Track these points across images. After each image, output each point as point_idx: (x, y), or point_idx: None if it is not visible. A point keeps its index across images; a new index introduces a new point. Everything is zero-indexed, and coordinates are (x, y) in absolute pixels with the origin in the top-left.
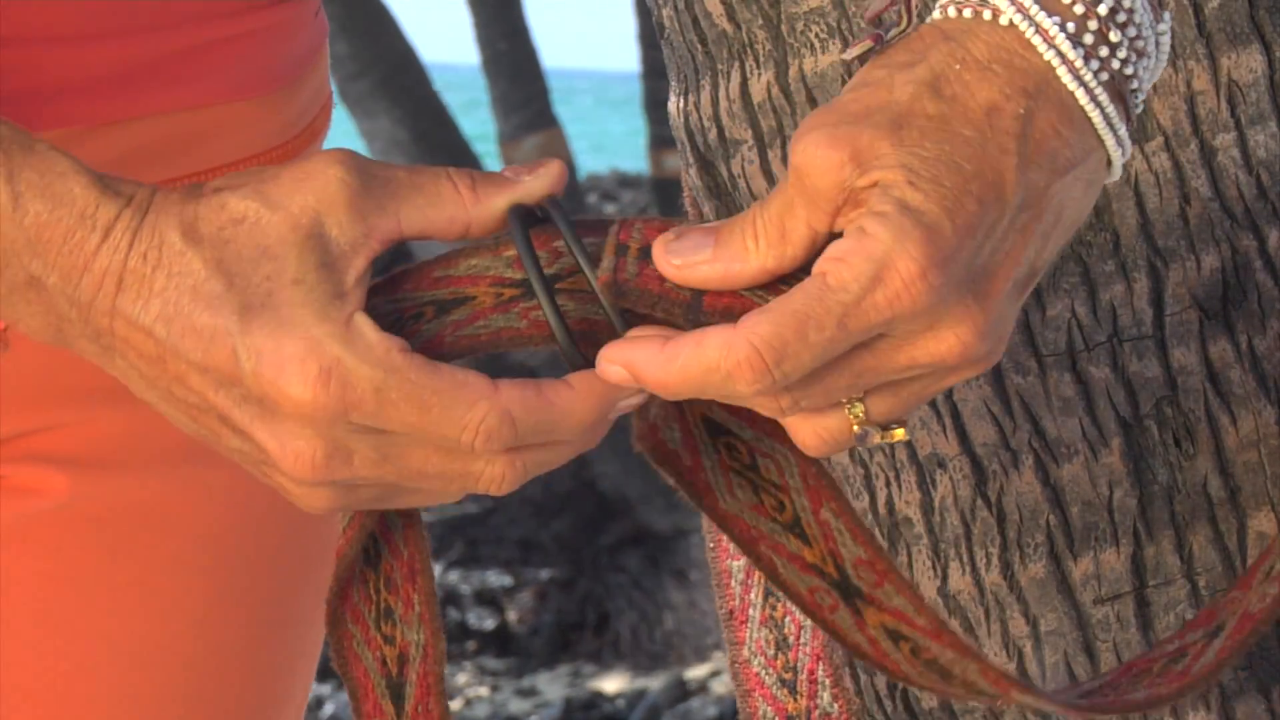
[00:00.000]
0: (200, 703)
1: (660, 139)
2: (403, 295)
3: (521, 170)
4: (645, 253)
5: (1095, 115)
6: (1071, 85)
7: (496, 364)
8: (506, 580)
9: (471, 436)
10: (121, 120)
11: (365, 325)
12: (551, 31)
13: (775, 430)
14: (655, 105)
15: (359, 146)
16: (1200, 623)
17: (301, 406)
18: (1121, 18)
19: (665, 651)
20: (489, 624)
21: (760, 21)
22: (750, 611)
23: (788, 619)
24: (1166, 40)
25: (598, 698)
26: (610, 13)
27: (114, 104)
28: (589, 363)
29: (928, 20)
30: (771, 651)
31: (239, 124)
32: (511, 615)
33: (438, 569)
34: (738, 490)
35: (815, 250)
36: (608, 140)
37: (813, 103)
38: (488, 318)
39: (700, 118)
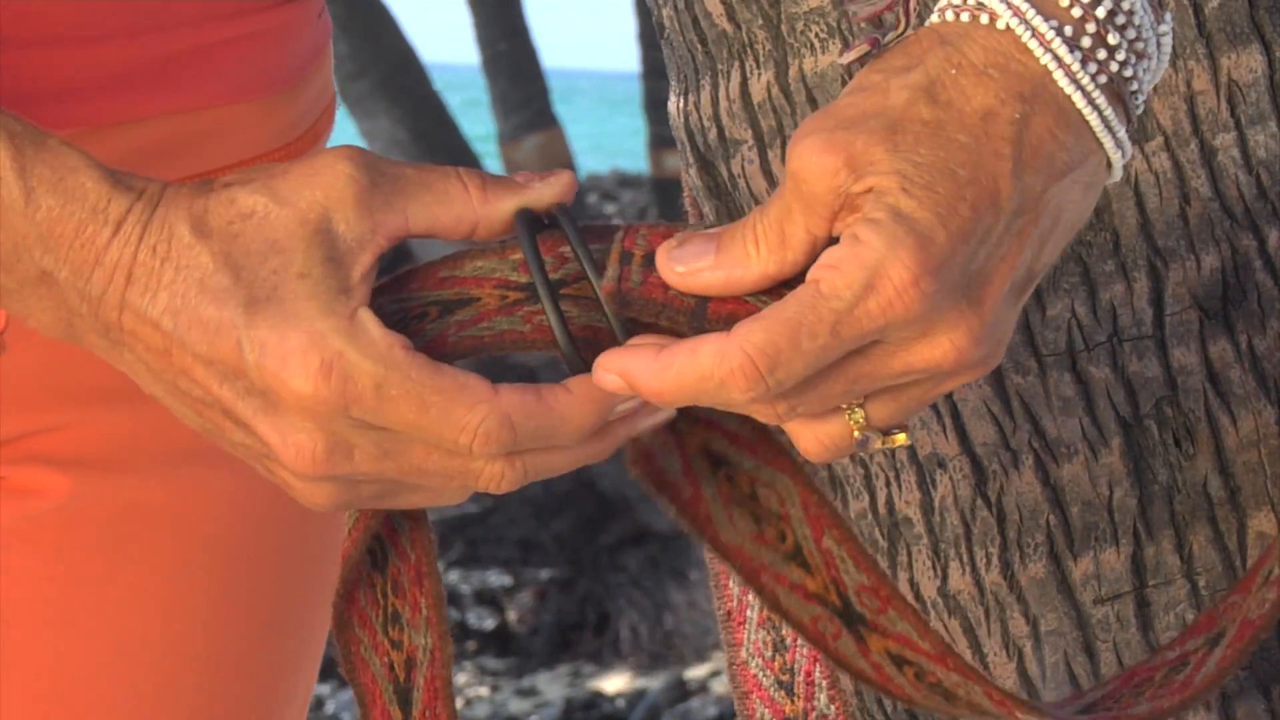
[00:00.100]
0: (203, 703)
1: (660, 139)
2: (408, 295)
3: (532, 177)
4: (650, 260)
5: (1093, 118)
6: (1068, 89)
7: (496, 365)
8: (506, 580)
9: (469, 439)
10: (125, 122)
11: (369, 321)
12: (551, 31)
13: (776, 459)
14: (655, 105)
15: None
16: (1200, 629)
17: (303, 399)
18: (1120, 20)
19: (665, 651)
20: (489, 624)
21: (760, 21)
22: (748, 613)
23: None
24: (1168, 41)
25: (598, 698)
26: (610, 13)
27: (117, 105)
28: (589, 368)
29: (926, 24)
30: (769, 653)
31: (242, 125)
32: (511, 615)
33: (438, 569)
34: (739, 521)
35: (815, 254)
36: (608, 140)
37: (813, 103)
38: (491, 320)
39: (700, 117)
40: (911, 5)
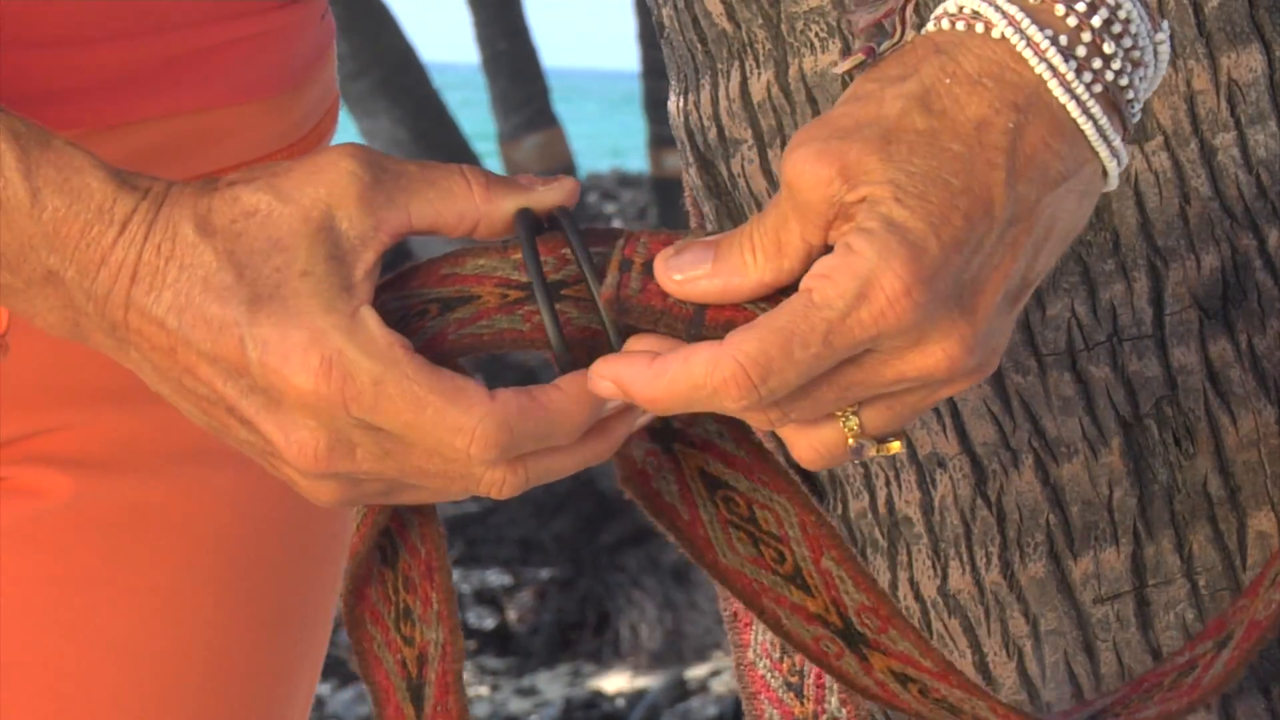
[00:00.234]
0: (205, 703)
1: (660, 138)
2: (409, 292)
3: (536, 180)
4: (649, 268)
5: (1088, 128)
6: (1063, 98)
7: (496, 363)
8: (506, 580)
9: (466, 442)
10: (129, 122)
11: (370, 319)
12: (551, 31)
13: (773, 480)
14: (655, 104)
15: None
16: (1210, 633)
17: (304, 396)
18: (1117, 29)
19: (665, 651)
20: (489, 623)
21: (760, 21)
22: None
23: None
24: (1165, 50)
25: (598, 697)
26: (610, 12)
27: (121, 106)
28: (579, 368)
29: (921, 32)
30: (777, 654)
31: (246, 126)
32: (511, 615)
33: None
34: (737, 544)
35: (811, 262)
36: (608, 140)
37: (812, 102)
38: (491, 318)
39: (700, 117)
40: (908, 13)
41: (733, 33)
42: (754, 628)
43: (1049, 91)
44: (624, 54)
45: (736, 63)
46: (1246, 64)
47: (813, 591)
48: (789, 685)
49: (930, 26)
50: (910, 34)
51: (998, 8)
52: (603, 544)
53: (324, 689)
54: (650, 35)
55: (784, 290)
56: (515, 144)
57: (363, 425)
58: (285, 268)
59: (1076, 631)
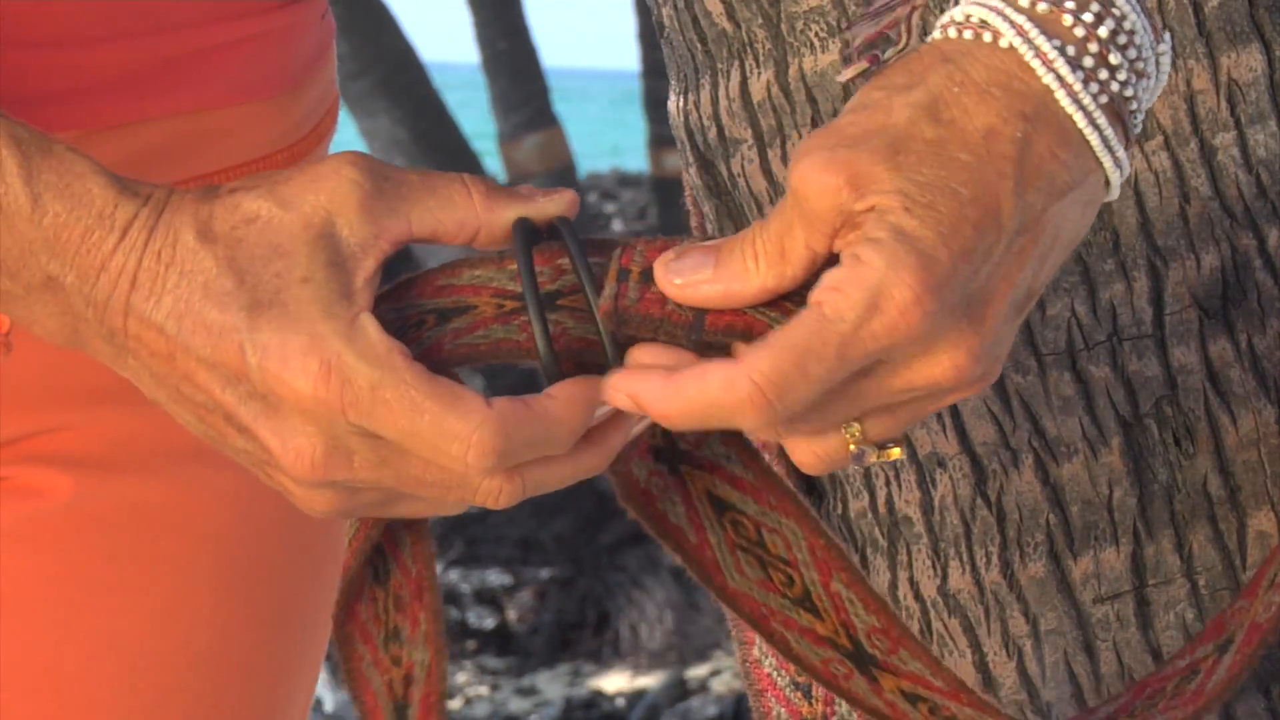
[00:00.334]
0: (205, 703)
1: (660, 138)
2: (406, 303)
3: (536, 191)
4: (647, 276)
5: (1094, 138)
6: (1070, 109)
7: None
8: (506, 579)
9: (463, 449)
10: (129, 123)
11: (370, 325)
12: (552, 31)
13: (781, 502)
14: (655, 104)
15: (359, 146)
16: (1209, 636)
17: (302, 400)
18: (1122, 40)
19: (665, 651)
20: (489, 623)
21: (760, 20)
22: None
23: None
24: (1167, 61)
25: (598, 697)
26: (610, 12)
27: (122, 107)
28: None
29: (927, 40)
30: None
31: (246, 126)
32: (511, 614)
33: (438, 568)
34: (746, 568)
35: (815, 269)
36: (608, 139)
37: (812, 102)
38: (488, 327)
39: (700, 117)
40: (914, 22)
41: (733, 32)
42: None
43: (1055, 101)
44: (624, 54)
45: (736, 62)
46: (1246, 64)
47: (822, 614)
48: (796, 685)
49: (936, 35)
50: (915, 42)
51: (1006, 17)
52: (603, 544)
53: (324, 689)
54: (650, 35)
55: (786, 296)
56: (515, 144)
57: (360, 432)
58: (285, 273)
59: (1076, 631)
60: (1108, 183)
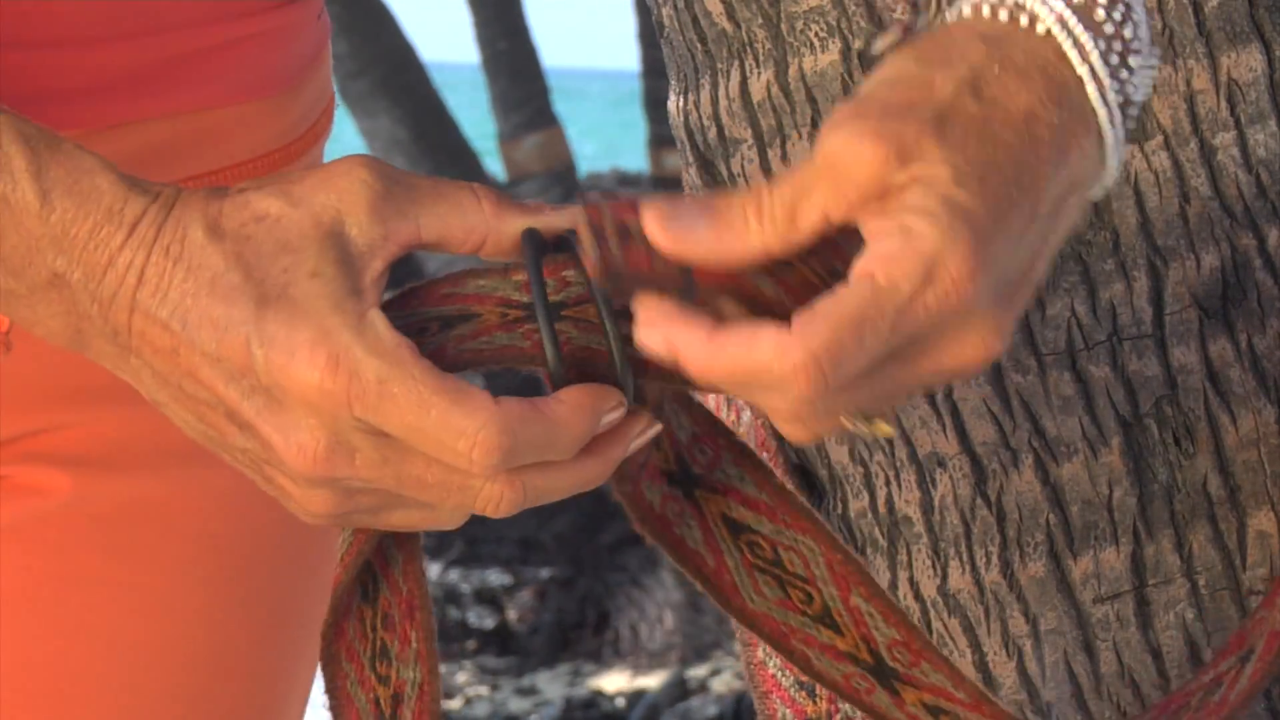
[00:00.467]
0: (201, 703)
1: (660, 137)
2: (410, 311)
3: (544, 206)
4: (624, 232)
5: (1109, 135)
6: (1097, 104)
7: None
8: (506, 579)
9: (469, 446)
10: (127, 123)
11: (379, 320)
12: (552, 30)
13: (797, 520)
14: (655, 104)
15: (359, 146)
16: (1232, 649)
17: (308, 392)
18: (1138, 45)
19: (665, 651)
20: (489, 623)
21: (760, 20)
22: None
23: None
24: (1154, 75)
25: (598, 696)
26: (610, 12)
27: (120, 107)
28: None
29: (956, 17)
30: None
31: (244, 126)
32: (511, 614)
33: (438, 568)
34: (764, 588)
35: (822, 237)
36: (608, 139)
37: (812, 102)
38: (491, 335)
39: (700, 116)
40: None
41: (733, 32)
42: None
43: (1084, 93)
44: (624, 54)
45: (736, 62)
46: (1246, 64)
47: (842, 630)
48: (800, 684)
49: (966, 12)
50: (942, 15)
51: (1046, 4)
52: (603, 544)
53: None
54: (650, 35)
55: (782, 264)
56: (515, 143)
57: (364, 428)
58: (294, 268)
59: (1076, 631)
60: (1102, 180)
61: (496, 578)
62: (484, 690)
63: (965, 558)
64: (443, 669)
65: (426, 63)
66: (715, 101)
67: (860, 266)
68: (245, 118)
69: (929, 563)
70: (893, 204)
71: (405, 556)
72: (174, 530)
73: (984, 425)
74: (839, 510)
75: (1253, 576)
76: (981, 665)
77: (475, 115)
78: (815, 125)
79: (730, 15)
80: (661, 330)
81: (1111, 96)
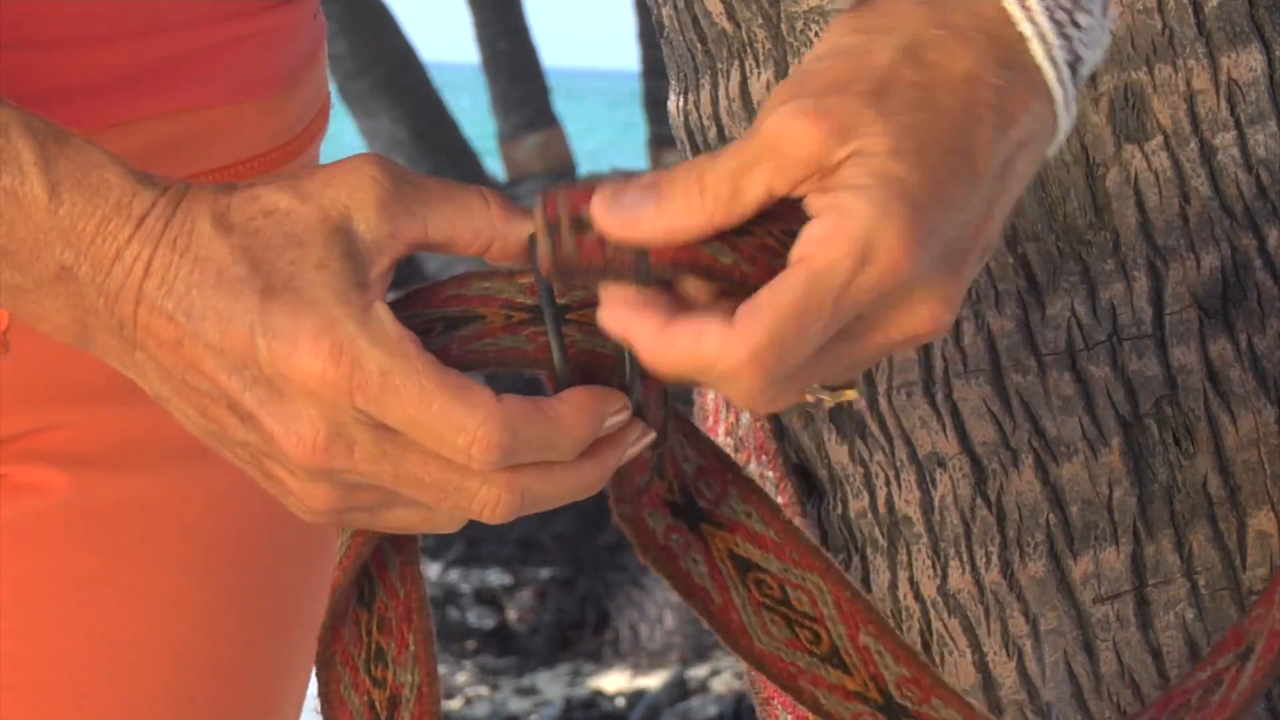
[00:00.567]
0: (198, 702)
1: (660, 137)
2: (414, 312)
3: None
4: (580, 223)
5: (1057, 93)
6: (1043, 62)
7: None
8: (506, 579)
9: (469, 441)
10: (126, 122)
11: (383, 313)
12: (552, 31)
13: (805, 558)
14: (655, 104)
15: (359, 146)
16: (1229, 645)
17: (310, 381)
18: (1087, 2)
19: (665, 651)
20: (489, 623)
21: (760, 20)
22: None
23: None
24: (1108, 40)
25: (598, 696)
26: (610, 12)
27: (117, 107)
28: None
29: None
30: None
31: (240, 126)
32: (511, 614)
33: (438, 568)
34: (772, 627)
35: (764, 209)
36: (608, 139)
37: None
38: (495, 337)
39: (700, 116)
40: None
41: (733, 32)
42: None
43: (1029, 52)
44: (624, 54)
45: (736, 62)
46: (1246, 64)
47: (851, 669)
48: None
49: None
50: None
51: None
52: (603, 544)
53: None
54: (650, 35)
55: (737, 231)
56: (515, 143)
57: (365, 420)
58: (300, 261)
59: (1076, 631)
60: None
61: (496, 578)
62: (484, 690)
63: (965, 558)
64: (442, 669)
65: (426, 63)
66: (715, 101)
67: (797, 250)
68: (243, 117)
69: (929, 563)
70: (832, 180)
71: (403, 560)
72: (171, 529)
73: (984, 425)
74: (839, 510)
75: (1253, 576)
76: (981, 665)
77: (475, 115)
78: None
79: (730, 15)
80: (620, 319)
81: (1059, 54)
